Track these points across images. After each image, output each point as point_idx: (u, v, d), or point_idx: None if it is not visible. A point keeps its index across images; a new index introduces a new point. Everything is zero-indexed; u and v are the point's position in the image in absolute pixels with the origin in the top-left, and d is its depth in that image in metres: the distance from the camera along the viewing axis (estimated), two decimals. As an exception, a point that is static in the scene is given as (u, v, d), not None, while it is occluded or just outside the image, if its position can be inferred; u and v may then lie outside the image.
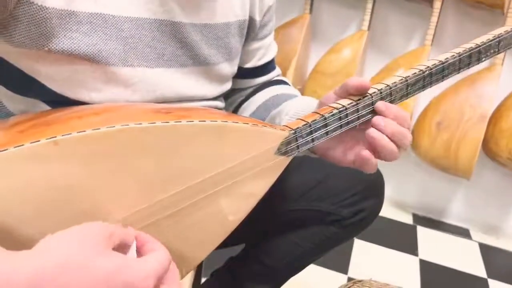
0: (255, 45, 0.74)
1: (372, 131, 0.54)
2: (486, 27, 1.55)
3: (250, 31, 0.70)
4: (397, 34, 1.67)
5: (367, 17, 1.58)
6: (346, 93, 0.57)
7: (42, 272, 0.32)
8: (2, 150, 0.38)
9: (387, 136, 0.54)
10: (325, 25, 1.73)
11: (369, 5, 1.57)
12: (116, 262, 0.35)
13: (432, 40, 1.53)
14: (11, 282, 0.31)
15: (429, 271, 1.51)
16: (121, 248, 0.39)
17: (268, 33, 0.76)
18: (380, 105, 0.56)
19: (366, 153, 0.54)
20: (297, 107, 0.67)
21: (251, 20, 0.69)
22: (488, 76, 1.48)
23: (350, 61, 1.56)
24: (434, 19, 1.50)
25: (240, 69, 0.73)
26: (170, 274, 0.40)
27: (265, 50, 0.76)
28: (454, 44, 1.65)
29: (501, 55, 1.48)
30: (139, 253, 0.41)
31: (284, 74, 1.53)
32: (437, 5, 1.49)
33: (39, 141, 0.39)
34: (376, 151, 0.55)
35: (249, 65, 0.75)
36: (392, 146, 0.54)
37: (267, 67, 0.79)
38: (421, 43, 1.62)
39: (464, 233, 1.79)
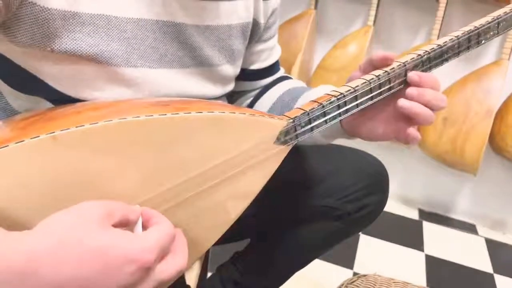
0: (259, 47, 0.74)
1: (401, 101, 0.56)
2: (492, 21, 1.54)
3: (254, 33, 0.70)
4: (402, 29, 1.67)
5: (373, 12, 1.58)
6: (371, 67, 0.59)
7: (38, 249, 0.33)
8: (3, 147, 0.39)
9: (423, 104, 0.56)
10: (330, 21, 1.73)
11: (375, 0, 1.56)
12: (112, 237, 0.36)
13: (438, 35, 1.52)
14: (9, 260, 0.32)
15: (435, 266, 1.51)
16: (125, 225, 0.39)
17: (273, 35, 0.76)
18: (413, 75, 0.57)
19: (412, 131, 0.57)
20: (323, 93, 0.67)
21: (255, 22, 0.69)
22: (494, 70, 1.48)
23: (356, 57, 1.56)
24: (440, 13, 1.50)
25: (245, 70, 0.74)
26: (177, 243, 0.40)
27: (269, 52, 0.77)
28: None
29: (507, 50, 1.47)
30: (145, 228, 0.41)
31: (289, 70, 1.53)
32: (443, -1, 1.48)
33: (38, 136, 0.39)
34: (411, 119, 0.56)
35: (254, 67, 0.76)
36: (426, 111, 0.56)
37: (272, 69, 0.79)
38: (427, 38, 1.61)
39: (470, 228, 1.79)
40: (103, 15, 0.51)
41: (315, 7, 1.65)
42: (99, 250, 0.34)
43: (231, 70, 0.67)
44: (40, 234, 0.34)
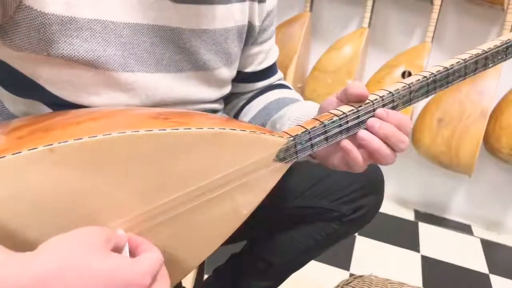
0: (255, 49, 0.74)
1: (362, 133, 0.53)
2: (486, 23, 1.55)
3: (249, 36, 0.70)
4: (397, 31, 1.68)
5: (368, 15, 1.58)
6: (346, 99, 0.56)
7: (46, 273, 0.34)
8: (1, 157, 0.38)
9: (380, 138, 0.53)
10: (325, 23, 1.74)
11: (369, 2, 1.57)
12: (114, 262, 0.37)
13: (433, 37, 1.53)
14: (17, 282, 0.32)
15: (430, 267, 1.51)
16: (116, 251, 0.41)
17: (268, 37, 0.75)
18: (381, 111, 0.55)
19: (347, 143, 0.54)
20: (299, 113, 0.67)
21: (250, 25, 0.69)
22: (488, 72, 1.48)
23: (351, 59, 1.56)
24: (434, 15, 1.51)
25: (240, 73, 0.74)
26: (161, 273, 0.41)
27: (265, 54, 0.76)
28: (454, 41, 1.66)
29: (501, 51, 1.48)
30: (133, 254, 0.43)
31: (285, 72, 1.54)
32: (437, 1, 1.49)
33: (36, 148, 0.39)
34: (370, 154, 0.54)
35: (249, 69, 0.76)
36: (385, 149, 0.53)
37: (268, 72, 0.79)
38: (422, 40, 1.62)
39: (465, 229, 1.79)
40: (100, 20, 0.51)
41: (310, 10, 1.66)
42: (103, 274, 0.36)
43: (228, 73, 0.67)
44: (47, 257, 0.35)
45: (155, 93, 0.57)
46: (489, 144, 1.55)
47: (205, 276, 0.94)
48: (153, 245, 0.44)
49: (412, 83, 0.57)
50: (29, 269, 0.33)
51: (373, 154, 0.54)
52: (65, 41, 0.49)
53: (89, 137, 0.41)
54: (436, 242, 1.67)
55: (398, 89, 0.57)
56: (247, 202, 0.53)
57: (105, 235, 0.39)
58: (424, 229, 1.74)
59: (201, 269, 0.93)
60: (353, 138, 0.55)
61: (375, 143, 0.53)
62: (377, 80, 1.55)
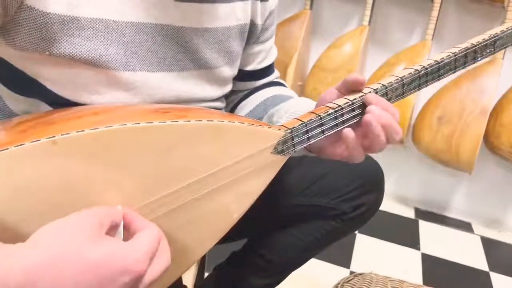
0: (256, 48, 0.74)
1: (368, 117, 0.55)
2: (486, 21, 1.55)
3: (252, 34, 0.71)
4: (398, 29, 1.68)
5: (368, 12, 1.58)
6: (345, 88, 0.58)
7: (36, 265, 0.33)
8: (3, 149, 0.39)
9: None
10: (325, 21, 1.74)
11: (370, 0, 1.57)
12: (107, 250, 0.36)
13: (433, 35, 1.53)
14: (7, 277, 0.32)
15: (431, 265, 1.51)
16: (112, 228, 0.40)
17: (270, 36, 0.76)
18: (371, 96, 0.57)
19: (347, 131, 0.55)
20: (296, 106, 0.68)
21: (252, 24, 0.69)
22: (489, 70, 1.49)
23: (351, 57, 1.56)
24: (434, 13, 1.51)
25: (240, 71, 0.74)
26: (161, 248, 0.41)
27: (265, 53, 0.77)
28: (454, 39, 1.66)
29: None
30: (127, 230, 0.42)
31: (285, 70, 1.54)
32: (437, -1, 1.49)
33: (39, 140, 0.40)
34: (366, 140, 0.56)
35: (249, 67, 0.76)
36: (383, 137, 0.55)
37: (267, 70, 0.79)
38: (422, 38, 1.62)
39: (466, 226, 1.79)
40: (102, 19, 0.51)
41: (310, 8, 1.66)
42: (96, 263, 0.35)
43: (230, 71, 0.68)
44: (36, 248, 0.34)
45: (156, 92, 0.58)
46: (489, 141, 1.55)
47: (206, 274, 0.94)
48: (147, 220, 0.43)
49: (404, 76, 0.59)
50: (19, 261, 0.33)
51: (372, 140, 0.55)
52: (67, 41, 0.49)
53: (90, 129, 0.42)
54: (436, 240, 1.67)
55: (391, 82, 0.58)
56: (246, 196, 0.53)
57: (98, 219, 0.38)
58: (424, 227, 1.74)
59: (201, 267, 0.93)
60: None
61: (378, 128, 0.55)
62: (378, 78, 1.55)
